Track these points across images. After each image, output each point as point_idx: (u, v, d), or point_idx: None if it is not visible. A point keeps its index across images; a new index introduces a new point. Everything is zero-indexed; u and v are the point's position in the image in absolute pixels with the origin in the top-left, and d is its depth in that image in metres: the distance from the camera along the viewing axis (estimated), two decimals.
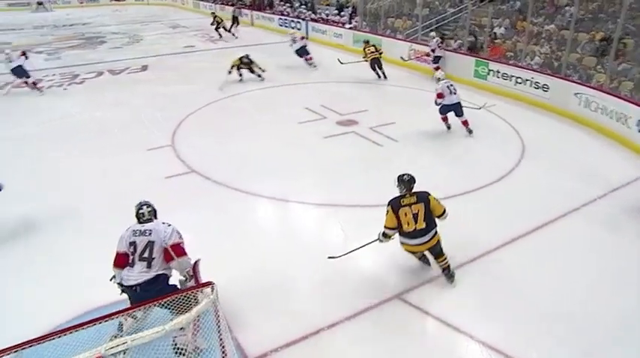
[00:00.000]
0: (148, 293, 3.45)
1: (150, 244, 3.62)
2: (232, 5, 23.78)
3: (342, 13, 18.79)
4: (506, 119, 9.21)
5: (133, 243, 3.62)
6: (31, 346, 2.77)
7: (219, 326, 3.19)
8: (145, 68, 14.29)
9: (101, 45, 18.83)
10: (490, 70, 11.17)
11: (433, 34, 13.17)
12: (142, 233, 3.65)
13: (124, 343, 2.83)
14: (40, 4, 32.70)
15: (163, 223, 3.76)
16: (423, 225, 4.39)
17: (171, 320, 3.02)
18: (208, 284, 3.20)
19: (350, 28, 16.89)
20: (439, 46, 12.29)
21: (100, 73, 13.71)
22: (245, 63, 12.04)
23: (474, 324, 4.12)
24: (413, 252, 4.68)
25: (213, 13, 21.02)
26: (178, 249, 3.67)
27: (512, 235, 5.42)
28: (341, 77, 12.64)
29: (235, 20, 20.59)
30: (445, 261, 4.60)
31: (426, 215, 4.40)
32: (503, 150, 7.90)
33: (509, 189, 6.62)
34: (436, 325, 4.18)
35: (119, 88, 12.06)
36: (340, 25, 17.74)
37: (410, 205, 4.39)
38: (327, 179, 6.95)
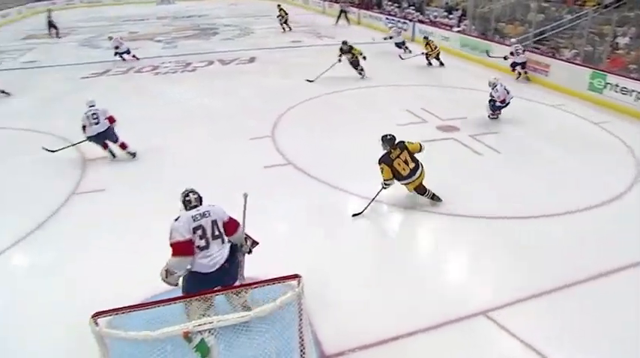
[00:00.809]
0: (233, 266, 3.76)
1: (214, 223, 3.74)
2: (337, 2, 24.08)
3: (451, 16, 18.26)
4: (620, 137, 8.42)
5: (198, 227, 3.66)
6: (124, 313, 3.00)
7: (300, 320, 3.21)
8: (252, 60, 14.93)
9: (214, 36, 19.94)
10: (607, 83, 10.25)
11: (514, 40, 12.89)
12: (203, 215, 3.72)
13: (210, 323, 2.93)
14: None
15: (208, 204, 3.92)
16: (413, 165, 5.84)
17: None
18: (295, 277, 3.22)
19: (458, 32, 16.38)
20: (518, 53, 12.04)
21: (211, 63, 14.57)
22: (344, 51, 12.22)
23: (567, 356, 3.84)
24: (416, 190, 6.00)
25: (279, 5, 21.63)
26: (234, 222, 3.85)
27: (618, 264, 4.97)
28: (441, 81, 12.35)
29: (344, 15, 21.70)
30: (428, 193, 6.06)
31: (411, 157, 5.85)
32: (615, 171, 7.22)
33: (617, 215, 6.03)
34: (522, 350, 3.93)
35: (227, 78, 12.74)
36: (448, 28, 17.27)
37: (398, 156, 5.76)
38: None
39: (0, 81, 12.20)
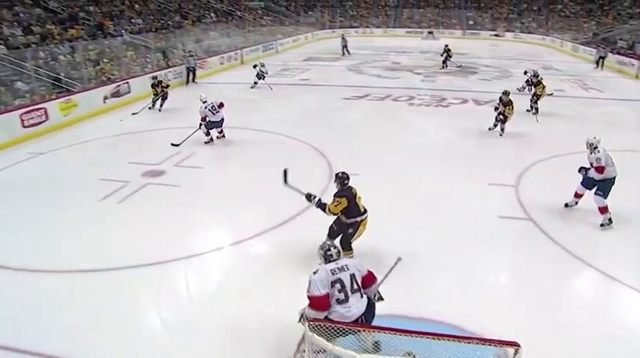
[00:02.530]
0: (370, 318, 3.78)
1: (352, 276, 3.77)
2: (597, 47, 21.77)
3: None
4: None
5: (337, 281, 3.71)
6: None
7: None
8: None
9: (472, 75, 19.90)
10: None
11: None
12: (341, 269, 3.77)
13: None
14: (430, 33, 36.84)
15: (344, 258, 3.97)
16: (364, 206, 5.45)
17: None
18: (513, 344, 2.94)
19: None
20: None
21: (465, 101, 14.57)
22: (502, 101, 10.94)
23: None
24: (359, 228, 5.41)
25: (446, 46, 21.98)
26: (372, 275, 3.94)
27: None
28: None
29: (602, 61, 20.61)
30: None
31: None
32: None
33: None
34: None
35: (479, 118, 12.50)
36: None
37: (356, 193, 5.40)
38: None
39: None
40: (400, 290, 4.10)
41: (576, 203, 7.12)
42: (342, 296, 3.69)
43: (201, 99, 10.08)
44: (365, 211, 5.43)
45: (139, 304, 5.04)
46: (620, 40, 25.12)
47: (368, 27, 40.64)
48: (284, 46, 29.17)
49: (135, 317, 4.82)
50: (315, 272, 3.80)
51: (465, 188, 7.97)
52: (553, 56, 27.70)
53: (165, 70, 16.92)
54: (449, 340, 3.12)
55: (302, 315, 3.80)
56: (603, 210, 6.62)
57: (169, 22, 23.84)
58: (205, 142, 10.11)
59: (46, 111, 11.37)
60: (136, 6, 23.70)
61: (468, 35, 38.35)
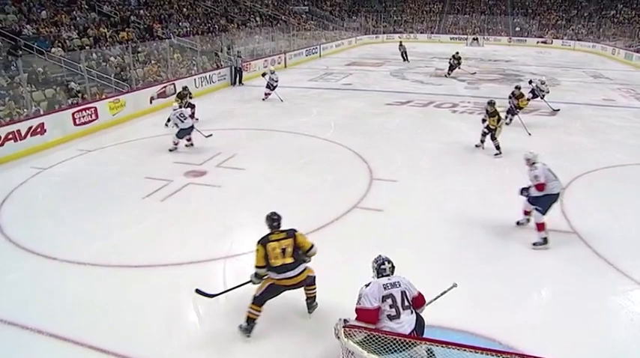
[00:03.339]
0: (420, 333, 3.70)
1: (404, 293, 3.74)
2: None
3: None
4: None
5: (388, 296, 3.68)
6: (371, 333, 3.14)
7: None
8: (554, 113, 13.97)
9: (517, 83, 19.35)
10: None
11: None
12: (393, 285, 3.75)
13: None
14: (475, 39, 36.23)
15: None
16: (291, 260, 4.44)
17: None
18: None
19: None
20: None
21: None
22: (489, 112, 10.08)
23: None
24: (279, 288, 4.51)
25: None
26: (422, 297, 3.88)
27: None
28: None
29: None
30: (312, 291, 4.76)
31: (294, 250, 4.48)
32: None
33: None
34: None
35: (522, 128, 12.19)
36: None
37: (278, 240, 4.49)
38: None
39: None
40: (443, 302, 4.03)
41: (527, 220, 6.70)
42: (393, 311, 3.66)
43: (173, 108, 10.05)
44: (282, 268, 4.42)
45: (178, 302, 5.14)
46: None
47: (412, 32, 40.30)
48: (327, 50, 29.29)
49: (173, 315, 4.94)
50: (367, 285, 3.79)
51: (507, 197, 7.75)
52: (604, 64, 26.68)
53: (211, 72, 17.30)
54: (486, 354, 3.04)
55: (337, 329, 3.47)
56: (540, 226, 6.26)
57: (215, 26, 24.38)
58: (170, 150, 9.96)
59: (96, 111, 11.84)
60: (184, 10, 24.38)
61: (514, 42, 37.46)
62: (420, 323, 3.76)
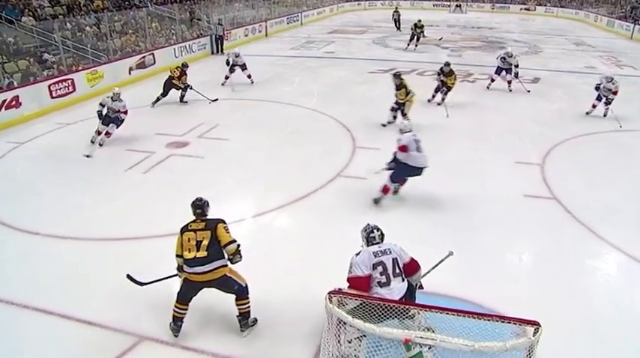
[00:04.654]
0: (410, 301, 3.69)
1: (395, 260, 3.74)
2: None
3: None
4: None
5: (379, 263, 3.68)
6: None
7: None
8: (536, 80, 14.02)
9: (500, 50, 19.31)
10: None
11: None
12: (384, 252, 3.75)
13: (433, 339, 2.93)
14: (458, 6, 35.87)
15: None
16: (204, 254, 3.94)
17: None
18: (534, 323, 2.91)
19: None
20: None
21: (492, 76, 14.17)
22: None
23: None
24: (193, 284, 4.04)
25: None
26: (415, 263, 3.84)
27: None
28: None
29: None
30: (243, 306, 4.15)
31: (210, 243, 3.95)
32: None
33: None
34: None
35: (505, 95, 12.25)
36: None
37: (195, 231, 4.02)
38: None
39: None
40: (424, 266, 4.09)
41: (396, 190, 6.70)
42: (383, 279, 3.67)
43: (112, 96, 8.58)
44: (192, 262, 3.96)
45: (158, 273, 5.12)
46: None
47: None
48: (308, 18, 28.76)
49: (164, 286, 4.92)
50: (357, 254, 3.80)
51: (491, 166, 7.87)
52: (586, 31, 26.69)
53: (191, 41, 16.92)
54: (468, 317, 3.10)
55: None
56: (386, 189, 6.37)
57: None
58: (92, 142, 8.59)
59: (73, 82, 11.54)
60: None
61: (497, 9, 37.17)
62: (411, 292, 3.79)
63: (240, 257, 4.03)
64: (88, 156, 8.11)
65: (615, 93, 10.04)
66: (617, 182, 7.38)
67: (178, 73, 10.98)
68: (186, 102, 10.74)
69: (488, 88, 12.65)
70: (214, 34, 17.88)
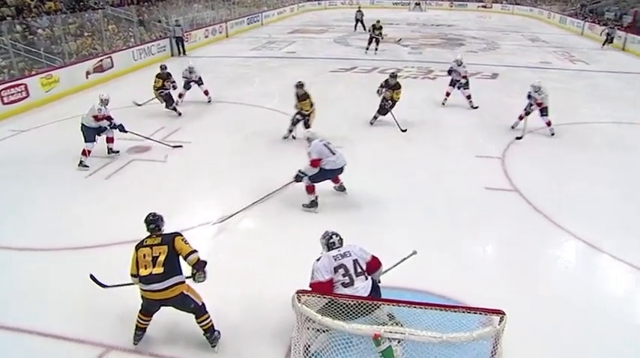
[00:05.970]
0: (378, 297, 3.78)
1: (355, 261, 3.82)
2: (604, 25, 21.64)
3: None
4: None
5: (340, 266, 3.76)
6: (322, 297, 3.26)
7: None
8: (494, 76, 14.39)
9: (459, 47, 19.78)
10: None
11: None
12: (343, 255, 3.83)
13: (402, 333, 2.99)
14: (417, 4, 36.43)
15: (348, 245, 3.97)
16: (160, 270, 3.76)
17: None
18: (499, 312, 3.01)
19: None
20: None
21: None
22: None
23: None
24: (150, 302, 3.91)
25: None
26: (376, 260, 3.94)
27: None
28: None
29: (610, 39, 19.65)
30: (205, 323, 4.01)
31: (167, 259, 3.78)
32: None
33: None
34: None
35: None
36: None
37: (151, 246, 3.86)
38: None
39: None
40: (387, 262, 4.14)
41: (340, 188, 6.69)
42: (347, 280, 3.73)
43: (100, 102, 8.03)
44: (148, 279, 3.79)
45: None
46: (607, 11, 25.04)
47: None
48: (269, 18, 28.66)
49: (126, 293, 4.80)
50: (318, 260, 3.87)
51: (452, 160, 8.02)
52: (541, 28, 27.60)
53: (150, 44, 16.58)
54: (435, 309, 3.17)
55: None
56: (309, 188, 6.25)
57: None
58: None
59: (26, 87, 11.12)
60: None
61: (456, 7, 37.98)
62: (376, 288, 3.86)
63: (204, 277, 3.87)
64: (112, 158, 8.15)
65: (540, 104, 9.03)
66: (574, 174, 7.64)
67: (161, 82, 10.15)
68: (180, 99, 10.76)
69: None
70: (173, 36, 17.57)
